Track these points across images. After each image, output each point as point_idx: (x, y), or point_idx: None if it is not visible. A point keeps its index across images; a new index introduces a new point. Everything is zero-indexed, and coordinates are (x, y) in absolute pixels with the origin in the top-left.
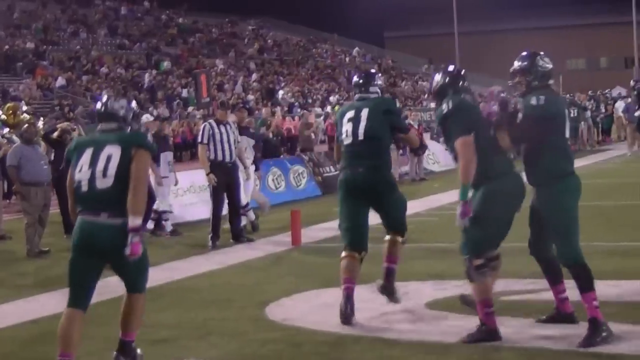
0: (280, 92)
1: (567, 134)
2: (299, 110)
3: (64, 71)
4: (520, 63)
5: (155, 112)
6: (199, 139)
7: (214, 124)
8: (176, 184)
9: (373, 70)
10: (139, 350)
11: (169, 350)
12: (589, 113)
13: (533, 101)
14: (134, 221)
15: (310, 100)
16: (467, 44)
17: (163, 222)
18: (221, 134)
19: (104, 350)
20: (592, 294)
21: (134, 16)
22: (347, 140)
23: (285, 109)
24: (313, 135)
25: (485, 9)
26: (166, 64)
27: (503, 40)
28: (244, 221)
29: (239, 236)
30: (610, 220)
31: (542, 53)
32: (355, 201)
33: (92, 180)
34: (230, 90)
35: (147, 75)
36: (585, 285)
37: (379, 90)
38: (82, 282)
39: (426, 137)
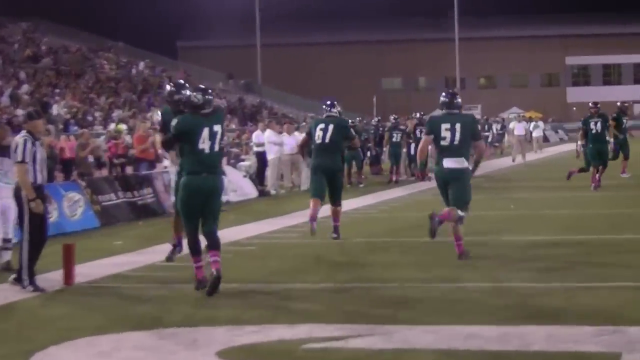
0: (55, 107)
1: (202, 147)
2: (76, 128)
3: None
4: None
5: None
6: (20, 158)
7: (31, 139)
8: None
9: (456, 91)
10: None
11: None
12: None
13: (173, 122)
14: None
15: (90, 118)
16: (272, 58)
17: None
18: (38, 151)
19: None
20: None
21: None
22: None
23: (61, 126)
24: (92, 158)
25: (292, 19)
26: None
27: (311, 54)
28: (6, 256)
29: (22, 278)
30: (419, 256)
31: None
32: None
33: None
34: None
35: None
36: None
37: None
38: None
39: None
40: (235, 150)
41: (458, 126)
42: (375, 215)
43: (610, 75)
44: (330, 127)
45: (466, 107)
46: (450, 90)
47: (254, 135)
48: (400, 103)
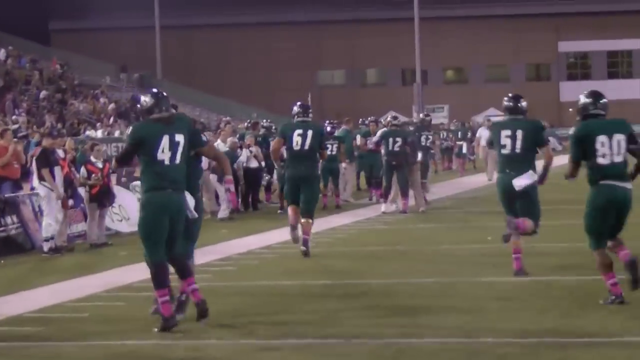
0: None
1: (161, 157)
2: None
3: None
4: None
5: None
6: None
7: None
8: None
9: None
10: None
11: None
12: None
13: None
14: None
15: None
16: (175, 44)
17: None
18: None
19: None
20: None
21: None
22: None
23: None
24: None
25: None
26: None
27: (227, 40)
28: None
29: None
30: (369, 302)
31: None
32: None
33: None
34: None
35: None
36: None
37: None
38: None
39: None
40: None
41: (520, 133)
42: (311, 251)
43: (617, 66)
44: (309, 133)
45: (429, 109)
46: (512, 94)
47: None
48: (343, 103)
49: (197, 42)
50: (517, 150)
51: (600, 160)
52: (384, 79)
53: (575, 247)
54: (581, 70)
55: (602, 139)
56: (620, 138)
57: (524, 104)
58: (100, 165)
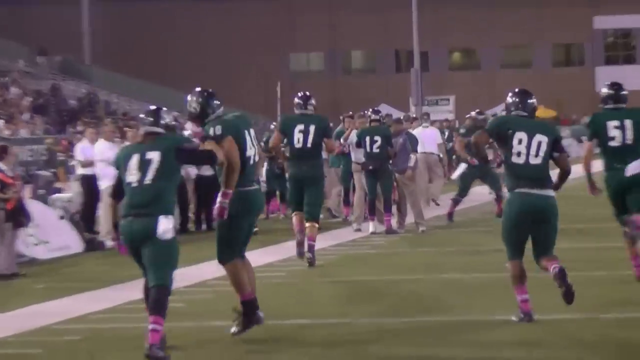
0: None
1: (129, 179)
2: None
3: None
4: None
5: None
6: None
7: None
8: None
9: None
10: None
11: None
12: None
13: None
14: None
15: None
16: (109, 22)
17: None
18: None
19: None
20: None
21: None
22: (615, 143)
23: None
24: None
25: None
26: None
27: (174, 17)
28: None
29: None
30: (360, 338)
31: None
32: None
33: None
34: None
35: None
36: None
37: None
38: None
39: (26, 192)
40: (45, 173)
41: (629, 123)
42: (283, 281)
43: None
44: (312, 128)
45: (431, 100)
46: (611, 82)
47: (78, 148)
48: (321, 93)
49: (134, 18)
50: (628, 142)
51: (515, 159)
52: (372, 63)
53: (617, 276)
54: (622, 52)
55: (521, 135)
56: (542, 140)
57: (625, 92)
58: (10, 173)
